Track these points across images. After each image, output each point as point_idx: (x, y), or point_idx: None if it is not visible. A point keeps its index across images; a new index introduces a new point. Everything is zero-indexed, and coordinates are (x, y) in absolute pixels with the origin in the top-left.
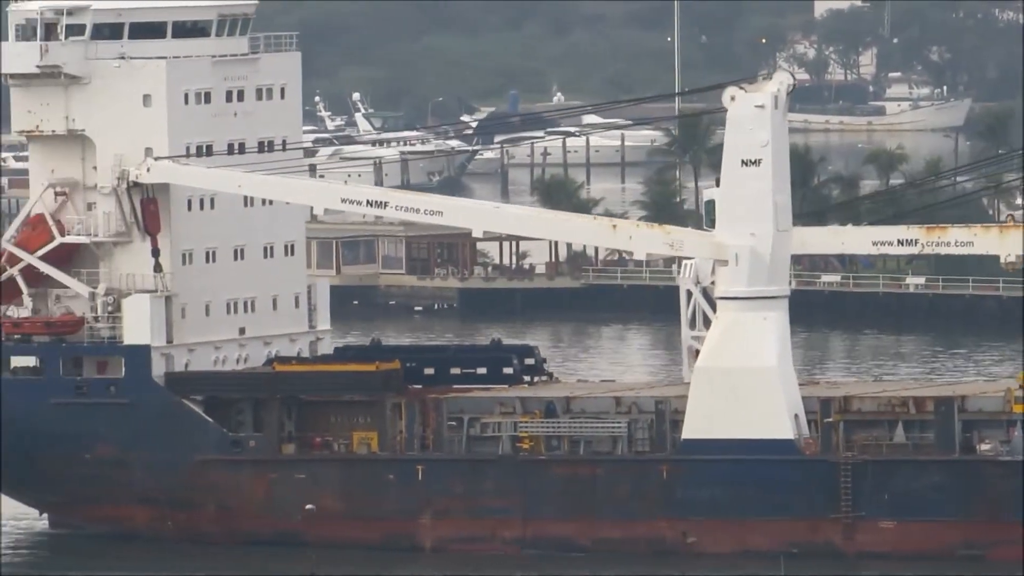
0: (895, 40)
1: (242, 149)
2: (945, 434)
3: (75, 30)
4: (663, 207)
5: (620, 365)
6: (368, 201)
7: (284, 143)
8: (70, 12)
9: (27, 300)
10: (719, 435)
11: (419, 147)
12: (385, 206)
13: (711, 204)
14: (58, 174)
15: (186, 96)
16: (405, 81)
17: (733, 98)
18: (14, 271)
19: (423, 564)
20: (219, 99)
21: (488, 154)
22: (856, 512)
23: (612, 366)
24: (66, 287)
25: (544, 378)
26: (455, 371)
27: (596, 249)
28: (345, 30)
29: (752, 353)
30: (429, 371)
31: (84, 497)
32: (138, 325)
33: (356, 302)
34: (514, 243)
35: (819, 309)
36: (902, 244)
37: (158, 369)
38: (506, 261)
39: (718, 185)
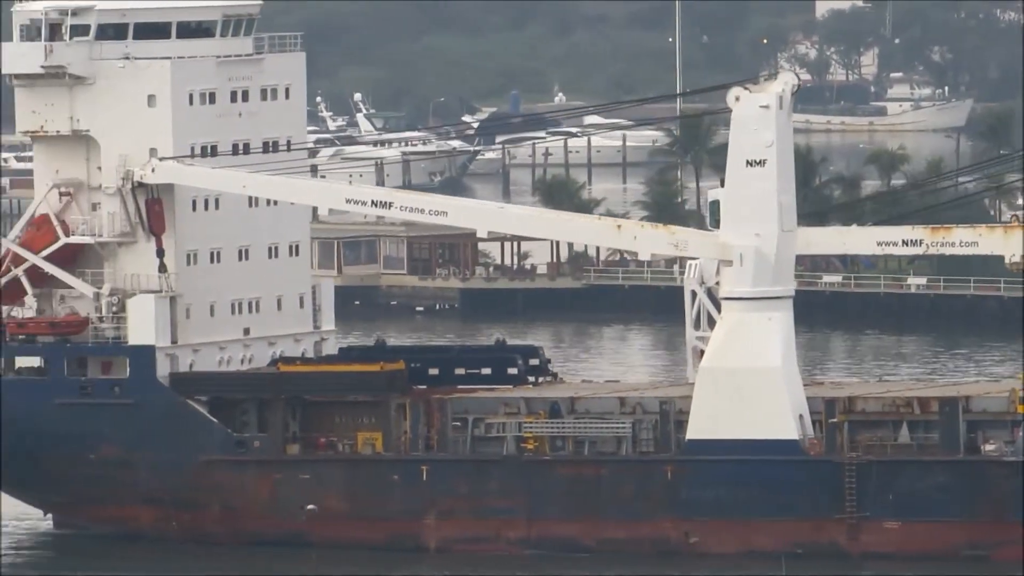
0: (896, 40)
1: (247, 149)
2: (949, 434)
3: (79, 30)
4: (664, 207)
5: (621, 365)
6: (373, 201)
7: (289, 143)
8: (74, 12)
9: (32, 300)
10: (723, 435)
11: (420, 147)
12: (389, 206)
13: (716, 204)
14: (63, 174)
15: (191, 96)
16: (406, 81)
17: (738, 98)
18: (19, 271)
19: (427, 564)
20: (223, 99)
21: (489, 154)
22: (860, 512)
23: (614, 366)
24: (71, 287)
25: (548, 378)
26: (459, 371)
27: (597, 249)
28: (346, 30)
29: (756, 353)
30: (434, 371)
31: (88, 497)
32: (143, 325)
33: (358, 302)
34: (515, 243)
35: (820, 309)
36: (907, 244)
37: (162, 369)
38: (507, 261)
39: (723, 185)
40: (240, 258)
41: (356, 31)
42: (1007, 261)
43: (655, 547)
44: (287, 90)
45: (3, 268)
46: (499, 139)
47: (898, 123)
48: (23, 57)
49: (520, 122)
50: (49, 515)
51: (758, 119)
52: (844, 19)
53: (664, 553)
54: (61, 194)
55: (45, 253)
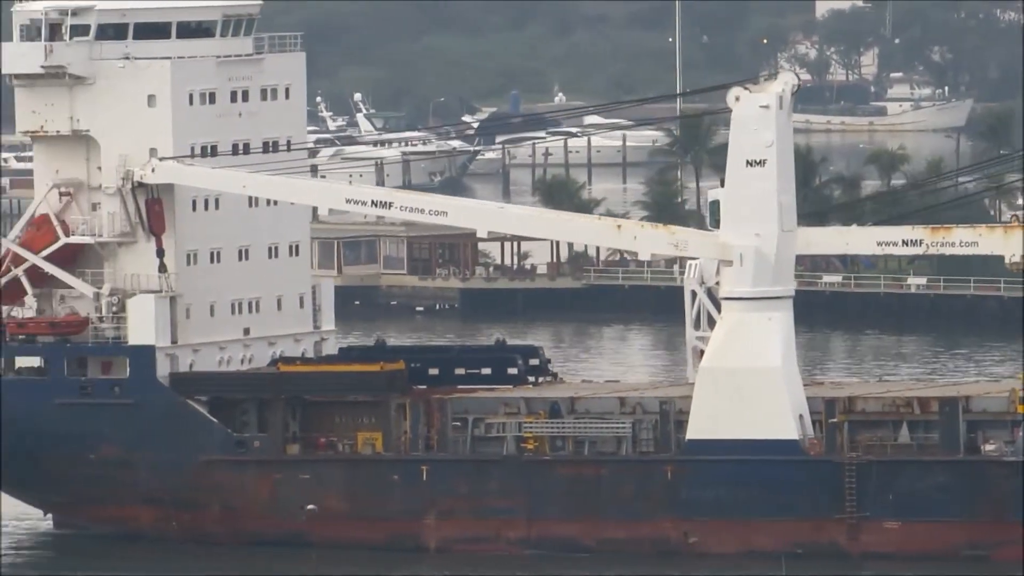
0: (896, 40)
1: (247, 149)
2: (950, 434)
3: (79, 30)
4: (664, 207)
5: (621, 366)
6: (373, 201)
7: (289, 143)
8: (74, 12)
9: (32, 300)
10: (723, 435)
11: (420, 147)
12: (390, 206)
13: (716, 204)
14: (63, 174)
15: (191, 96)
16: (406, 81)
17: (738, 98)
18: (19, 271)
19: (427, 564)
20: (224, 99)
21: (489, 154)
22: (860, 512)
23: (613, 366)
24: (71, 287)
25: (548, 378)
26: (460, 371)
27: (597, 249)
28: (346, 30)
29: (757, 353)
30: (434, 371)
31: (88, 497)
32: (143, 325)
33: (357, 302)
34: (515, 243)
35: (820, 309)
36: (907, 244)
37: (162, 369)
38: (507, 261)
39: (723, 185)
40: (240, 258)
41: (356, 31)
42: (1007, 261)
43: (655, 547)
44: (287, 90)
45: (3, 268)
46: (499, 139)
47: (898, 123)
48: (23, 57)
49: (520, 122)
50: (49, 515)
51: (758, 119)
52: (844, 19)
53: (664, 553)
54: (61, 194)
55: (45, 253)
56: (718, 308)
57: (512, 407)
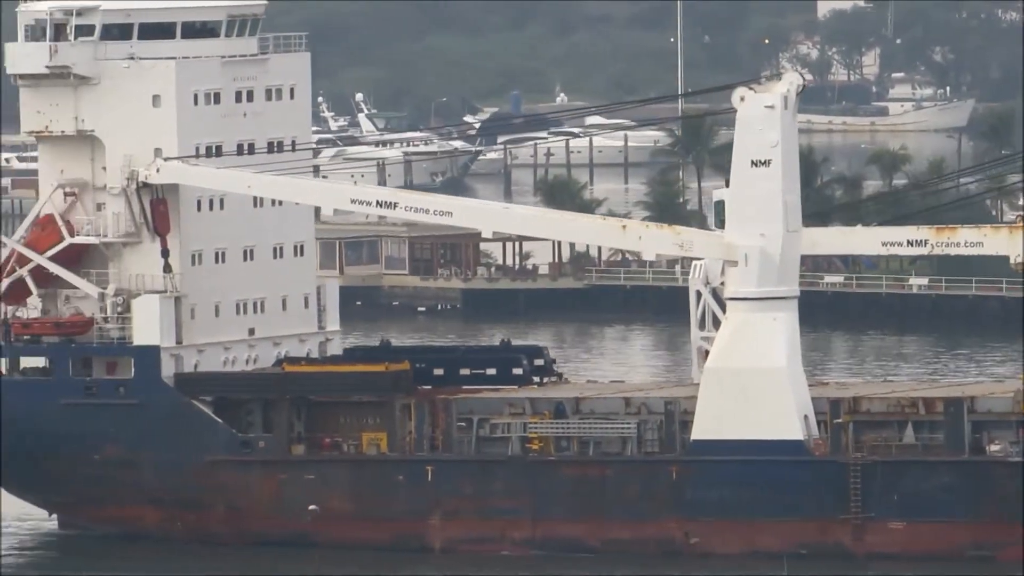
0: (898, 40)
1: (251, 150)
2: (955, 435)
3: (84, 31)
4: (666, 208)
5: (623, 366)
6: (378, 202)
7: (294, 143)
8: (79, 13)
9: (36, 300)
10: (729, 436)
11: (422, 148)
12: (395, 207)
13: (720, 204)
14: (67, 175)
15: (195, 96)
16: (407, 81)
17: (743, 99)
18: (24, 271)
19: (432, 565)
20: (228, 99)
21: (491, 155)
22: (865, 513)
23: (615, 367)
24: (75, 288)
25: (553, 379)
26: (465, 372)
27: (599, 250)
28: (347, 30)
29: (762, 354)
30: (439, 372)
31: (93, 498)
32: (147, 326)
33: (359, 303)
34: (517, 244)
35: (822, 310)
36: (912, 245)
37: (167, 370)
38: (509, 262)
39: (727, 185)
40: (245, 258)
41: (357, 31)
42: (1012, 261)
43: (660, 547)
44: (292, 90)
45: (8, 268)
46: (501, 139)
47: (900, 123)
48: (28, 57)
49: (522, 122)
50: (54, 515)
51: (763, 119)
52: (846, 19)
53: (669, 553)
54: (66, 194)
55: (50, 253)
56: (723, 308)
57: (517, 407)
